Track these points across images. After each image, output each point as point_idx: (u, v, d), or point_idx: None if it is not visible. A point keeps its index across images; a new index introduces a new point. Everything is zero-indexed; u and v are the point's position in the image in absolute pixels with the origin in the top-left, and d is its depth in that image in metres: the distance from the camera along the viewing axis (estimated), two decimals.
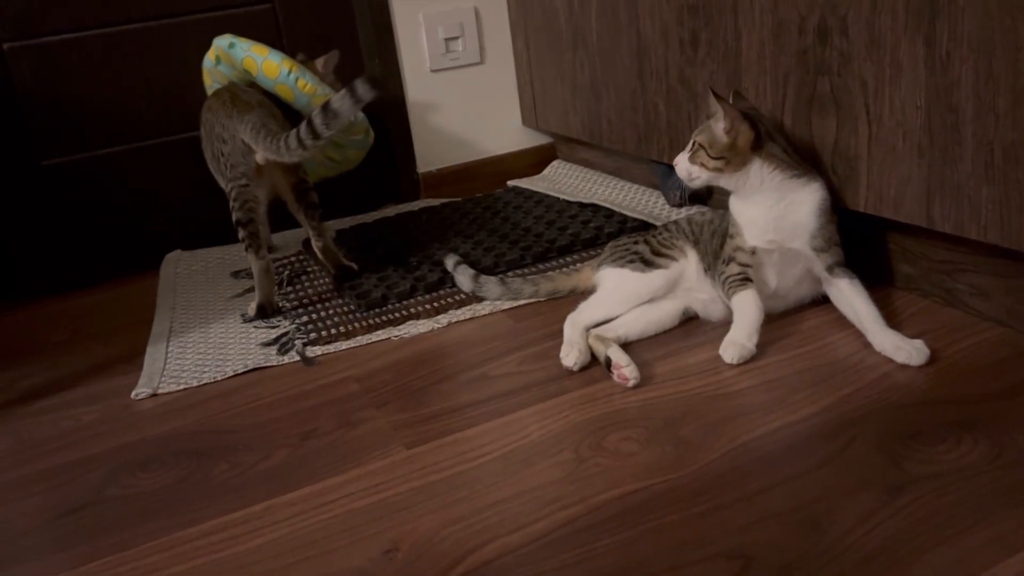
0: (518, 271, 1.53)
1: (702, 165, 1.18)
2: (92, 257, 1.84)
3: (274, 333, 1.39)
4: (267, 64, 1.51)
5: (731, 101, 1.24)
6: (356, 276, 1.55)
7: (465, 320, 1.37)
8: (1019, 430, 0.91)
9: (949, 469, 0.87)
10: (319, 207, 1.51)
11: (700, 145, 1.18)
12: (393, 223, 1.86)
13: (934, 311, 1.19)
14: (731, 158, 1.16)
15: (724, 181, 1.19)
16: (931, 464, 0.88)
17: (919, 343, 1.07)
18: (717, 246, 1.24)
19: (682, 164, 1.21)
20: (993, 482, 0.84)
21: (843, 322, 1.18)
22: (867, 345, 1.11)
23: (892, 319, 1.16)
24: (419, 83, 2.03)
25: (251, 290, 1.58)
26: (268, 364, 1.30)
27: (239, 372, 1.28)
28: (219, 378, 1.27)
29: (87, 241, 1.83)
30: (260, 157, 1.40)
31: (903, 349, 1.07)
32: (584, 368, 1.16)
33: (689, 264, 1.26)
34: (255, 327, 1.43)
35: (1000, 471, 0.85)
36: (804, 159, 1.20)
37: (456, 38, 2.03)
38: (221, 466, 1.05)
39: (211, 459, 1.07)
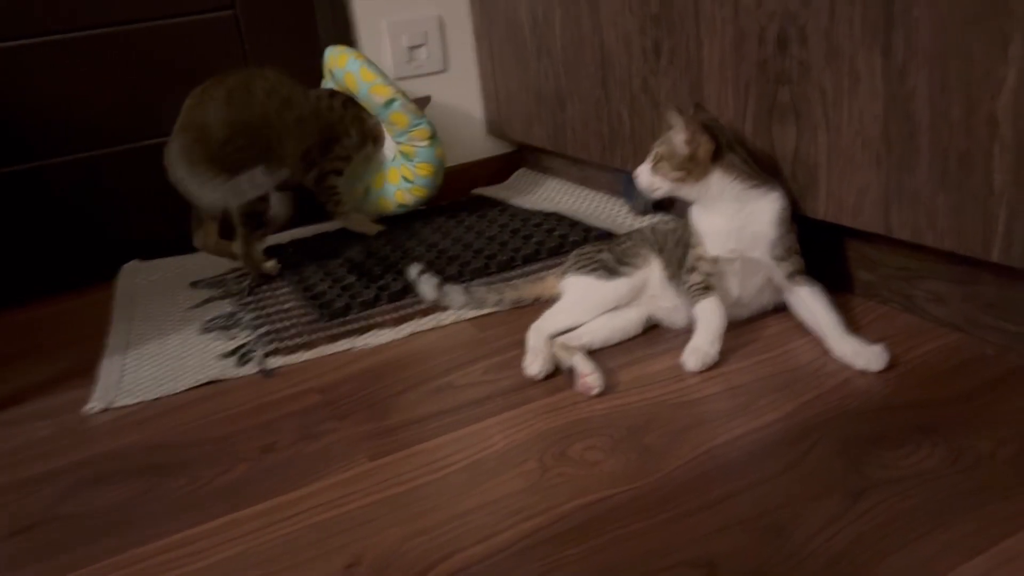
0: (482, 280, 1.53)
1: (663, 176, 1.19)
2: (47, 268, 1.80)
3: (233, 344, 1.37)
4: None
5: (693, 114, 1.25)
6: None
7: (429, 330, 1.36)
8: (977, 434, 0.92)
9: (909, 474, 0.87)
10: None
11: (661, 156, 1.19)
12: (356, 232, 1.84)
13: (893, 317, 1.21)
14: (692, 169, 1.17)
15: (685, 192, 1.19)
16: (891, 469, 0.89)
17: (878, 349, 1.08)
18: (681, 255, 1.25)
19: (643, 175, 1.22)
20: (952, 486, 0.85)
21: (804, 328, 1.19)
22: (827, 351, 1.12)
23: (851, 325, 1.16)
24: None
25: (210, 300, 1.56)
26: (227, 376, 1.27)
27: (197, 385, 1.26)
28: (176, 391, 1.25)
29: (41, 252, 1.79)
30: None
31: (862, 355, 1.08)
32: (548, 377, 1.16)
33: (653, 272, 1.27)
34: (214, 339, 1.40)
35: (959, 475, 0.86)
36: (764, 169, 1.21)
37: (420, 46, 2.03)
38: (179, 481, 1.03)
39: (169, 474, 1.05)
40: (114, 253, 1.84)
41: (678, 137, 1.17)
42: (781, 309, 1.24)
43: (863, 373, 1.07)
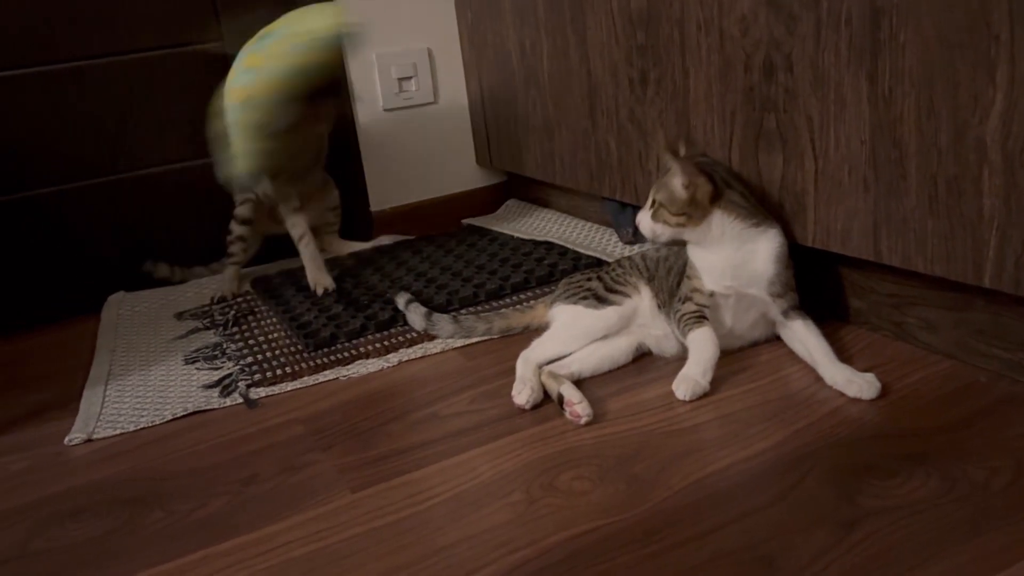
0: (471, 309, 1.51)
1: (665, 223, 1.17)
2: (30, 300, 1.77)
3: (217, 375, 1.35)
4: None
5: (683, 149, 1.24)
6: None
7: (416, 359, 1.34)
8: (970, 463, 0.90)
9: (902, 503, 0.85)
10: None
11: (660, 203, 1.17)
12: (345, 261, 1.83)
13: (884, 345, 1.20)
14: (692, 213, 1.15)
15: (687, 235, 1.17)
16: (884, 499, 0.86)
17: (870, 377, 1.07)
18: (673, 283, 1.23)
19: (645, 222, 1.20)
20: (946, 516, 0.83)
21: (796, 356, 1.18)
22: (819, 379, 1.11)
23: (843, 353, 1.15)
24: (372, 122, 2.02)
25: (195, 331, 1.54)
26: (209, 407, 1.25)
27: (178, 416, 1.23)
28: (157, 422, 1.22)
29: (25, 283, 1.77)
30: None
31: (854, 383, 1.07)
32: (537, 406, 1.14)
33: (643, 300, 1.25)
34: (197, 368, 1.38)
35: (952, 504, 0.84)
36: (759, 203, 1.20)
37: (409, 78, 2.03)
38: (156, 514, 1.00)
39: (145, 507, 1.02)
40: (102, 284, 1.82)
41: (675, 181, 1.15)
42: (774, 339, 1.23)
43: (855, 401, 1.06)
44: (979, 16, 0.91)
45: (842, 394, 1.07)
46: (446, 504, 0.95)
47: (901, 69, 1.01)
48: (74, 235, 1.80)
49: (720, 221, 1.15)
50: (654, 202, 1.19)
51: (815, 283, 1.28)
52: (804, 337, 1.15)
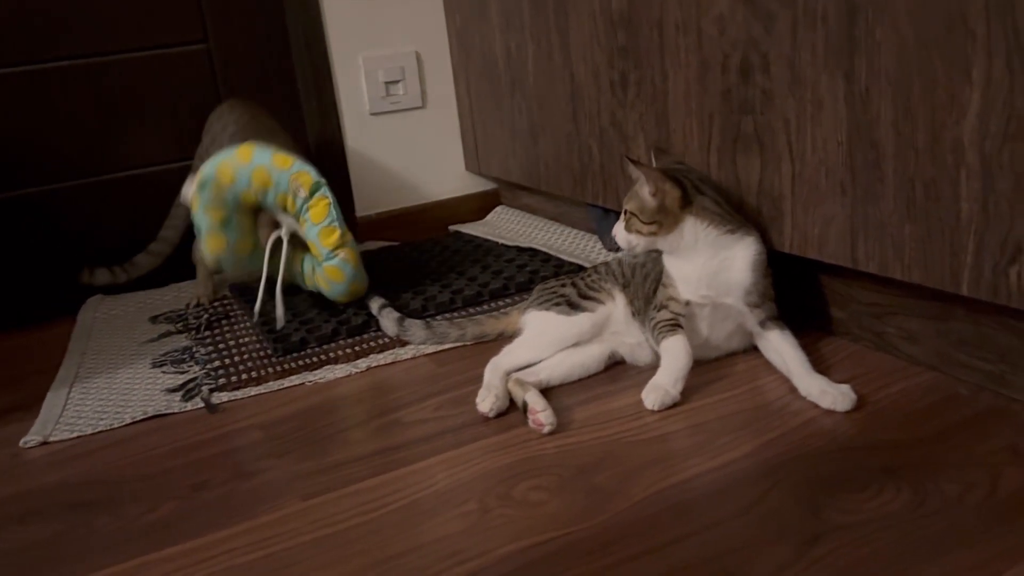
0: (448, 315, 1.48)
1: (638, 232, 1.14)
2: (8, 301, 1.75)
3: (181, 379, 1.32)
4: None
5: (653, 156, 1.21)
6: None
7: (386, 364, 1.31)
8: (943, 477, 0.87)
9: (870, 518, 0.82)
10: None
11: (632, 213, 1.14)
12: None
13: (864, 356, 1.16)
14: (663, 220, 1.12)
15: (661, 244, 1.14)
16: (852, 513, 0.83)
17: (845, 388, 1.03)
18: (650, 290, 1.20)
19: (620, 235, 1.17)
20: (915, 531, 0.79)
21: (773, 367, 1.14)
22: (794, 390, 1.07)
23: (821, 364, 1.12)
24: (358, 126, 2.00)
25: (167, 335, 1.52)
26: (170, 411, 1.22)
27: (137, 419, 1.20)
28: (116, 425, 1.19)
29: (8, 283, 1.75)
30: None
31: (828, 394, 1.03)
32: (502, 414, 1.10)
33: (616, 307, 1.22)
34: (163, 372, 1.35)
35: (923, 519, 0.81)
36: (736, 209, 1.17)
37: (397, 82, 2.01)
38: (104, 519, 0.97)
39: (95, 512, 0.99)
40: (87, 286, 1.79)
41: (644, 190, 1.12)
42: (752, 349, 1.19)
43: (830, 413, 1.02)
44: (956, 12, 0.88)
45: (816, 405, 1.03)
46: (398, 513, 0.91)
47: (878, 68, 0.98)
48: (59, 236, 1.78)
49: (693, 227, 1.12)
50: (627, 213, 1.15)
51: (797, 292, 1.24)
52: (780, 347, 1.11)
